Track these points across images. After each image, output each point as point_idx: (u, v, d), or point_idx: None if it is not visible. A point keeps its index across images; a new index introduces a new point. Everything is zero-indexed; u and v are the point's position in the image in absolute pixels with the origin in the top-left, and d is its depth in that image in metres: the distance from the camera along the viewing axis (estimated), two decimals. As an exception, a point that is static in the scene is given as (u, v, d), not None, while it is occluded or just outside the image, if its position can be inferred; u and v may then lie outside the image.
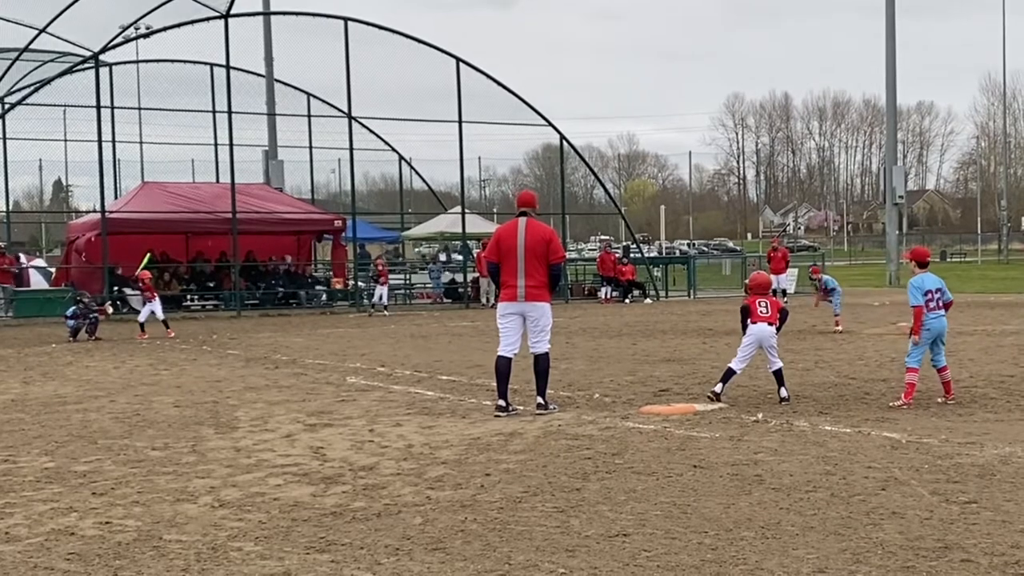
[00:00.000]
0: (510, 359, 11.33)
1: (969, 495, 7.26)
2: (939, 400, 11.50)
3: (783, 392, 11.70)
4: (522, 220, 11.41)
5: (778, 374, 11.75)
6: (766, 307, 11.81)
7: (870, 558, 5.88)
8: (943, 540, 6.20)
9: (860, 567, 5.72)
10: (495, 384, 11.46)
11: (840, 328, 21.67)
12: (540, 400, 11.38)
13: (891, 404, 11.41)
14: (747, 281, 12.84)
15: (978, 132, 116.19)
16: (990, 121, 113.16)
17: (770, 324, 11.71)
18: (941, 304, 11.50)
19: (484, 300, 34.49)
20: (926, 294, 11.37)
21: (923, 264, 11.72)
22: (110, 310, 23.29)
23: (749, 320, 11.78)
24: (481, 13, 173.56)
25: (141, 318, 23.97)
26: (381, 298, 31.93)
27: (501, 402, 11.28)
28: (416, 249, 52.33)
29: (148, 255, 26.79)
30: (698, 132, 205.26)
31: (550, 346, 11.47)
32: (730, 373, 11.75)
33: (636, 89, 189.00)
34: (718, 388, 11.77)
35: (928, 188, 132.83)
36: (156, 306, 23.73)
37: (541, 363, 11.34)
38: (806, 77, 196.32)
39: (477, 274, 35.78)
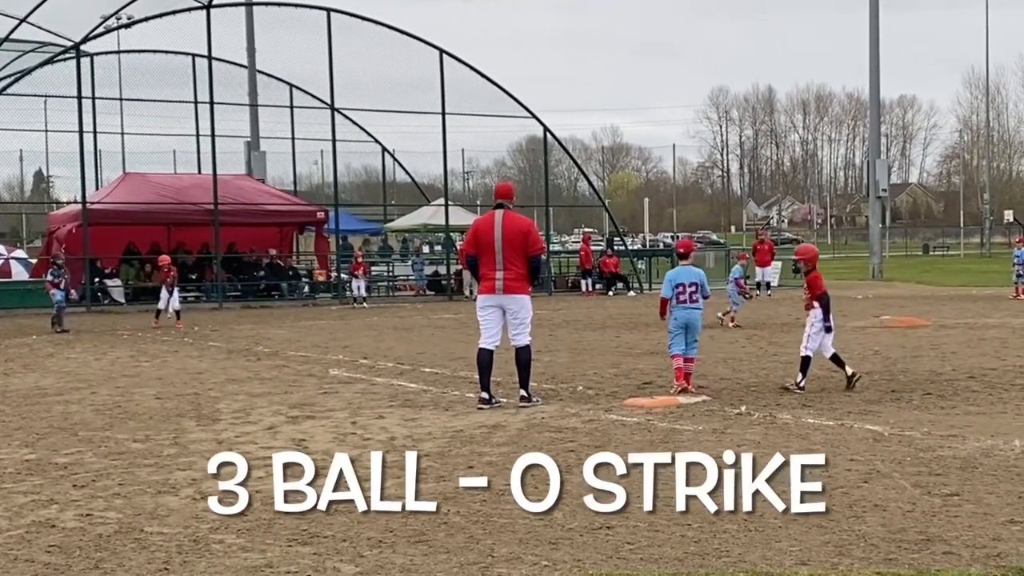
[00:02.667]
0: (492, 351, 11.30)
1: (951, 488, 7.28)
2: (672, 392, 11.57)
3: None
4: (499, 212, 11.35)
5: None
6: None
7: (852, 550, 5.89)
8: (925, 532, 6.22)
9: (842, 559, 5.73)
10: (478, 377, 11.44)
11: (732, 324, 20.85)
12: (523, 393, 11.36)
13: (671, 392, 11.53)
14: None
15: (961, 126, 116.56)
16: (973, 115, 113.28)
17: None
18: (696, 298, 11.80)
19: (467, 292, 34.46)
20: (677, 287, 11.77)
21: (683, 256, 12.23)
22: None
23: None
24: (453, 6, 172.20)
25: (175, 306, 24.03)
26: (359, 290, 32.16)
27: (484, 394, 11.26)
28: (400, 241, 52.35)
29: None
30: (682, 125, 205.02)
31: (531, 338, 11.45)
32: None
33: (620, 82, 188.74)
34: None
35: (911, 181, 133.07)
36: (165, 293, 24.00)
37: (522, 356, 11.31)
38: (790, 70, 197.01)
39: (460, 266, 35.74)
